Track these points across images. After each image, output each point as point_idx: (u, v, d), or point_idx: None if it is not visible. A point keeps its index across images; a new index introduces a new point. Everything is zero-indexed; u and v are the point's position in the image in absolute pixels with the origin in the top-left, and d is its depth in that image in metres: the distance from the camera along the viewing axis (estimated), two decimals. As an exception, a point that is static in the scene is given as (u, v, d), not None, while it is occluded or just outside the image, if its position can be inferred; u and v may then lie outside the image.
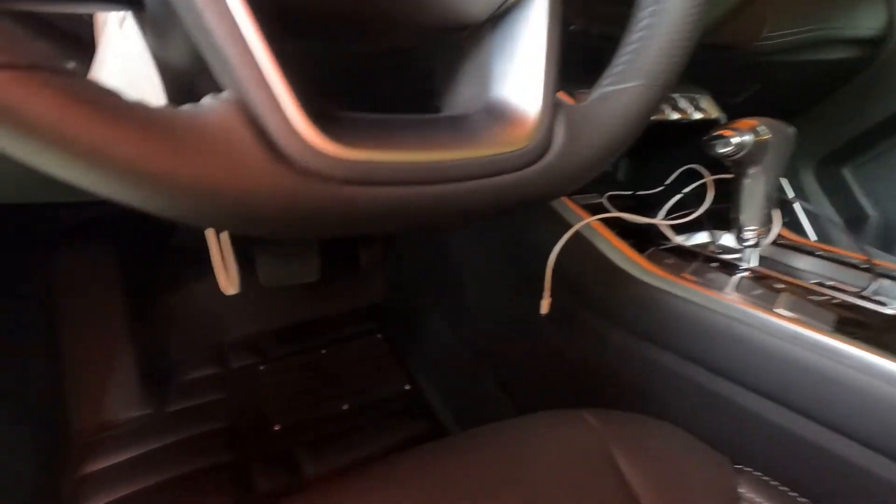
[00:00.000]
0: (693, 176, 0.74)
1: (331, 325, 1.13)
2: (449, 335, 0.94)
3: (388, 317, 1.16)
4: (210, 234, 0.47)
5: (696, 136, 0.78)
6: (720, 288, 0.48)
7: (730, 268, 0.54)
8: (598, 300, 0.59)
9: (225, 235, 0.48)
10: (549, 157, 0.25)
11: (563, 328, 0.65)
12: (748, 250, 0.55)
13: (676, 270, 0.52)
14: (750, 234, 0.53)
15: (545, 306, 0.61)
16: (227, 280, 0.47)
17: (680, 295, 0.49)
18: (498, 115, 0.25)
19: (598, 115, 0.27)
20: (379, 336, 1.12)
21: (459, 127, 0.24)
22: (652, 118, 0.29)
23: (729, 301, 0.45)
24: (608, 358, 0.60)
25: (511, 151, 0.24)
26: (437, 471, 0.41)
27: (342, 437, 0.89)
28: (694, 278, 0.51)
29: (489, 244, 0.77)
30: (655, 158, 0.88)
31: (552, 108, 0.25)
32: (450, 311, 0.94)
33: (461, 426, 0.91)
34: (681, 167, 0.76)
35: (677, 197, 0.71)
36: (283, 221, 0.19)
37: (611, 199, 0.73)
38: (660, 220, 0.62)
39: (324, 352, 1.07)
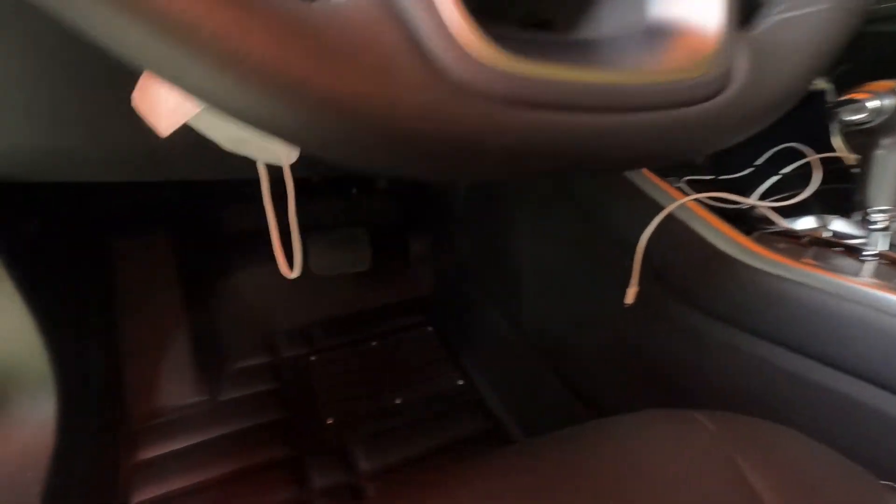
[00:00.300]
0: (788, 157, 0.67)
1: (380, 316, 1.10)
2: (506, 328, 0.90)
3: (438, 309, 1.12)
4: (269, 211, 0.43)
5: (793, 112, 0.71)
6: (855, 275, 0.42)
7: (855, 253, 0.47)
8: (692, 289, 0.53)
9: (293, 213, 0.44)
10: (733, 88, 0.20)
11: (646, 321, 0.59)
12: (875, 234, 0.48)
13: (794, 255, 0.46)
14: (879, 217, 0.46)
15: (631, 296, 0.55)
16: (286, 263, 0.44)
17: (803, 282, 0.43)
18: (666, 37, 0.20)
19: (781, 43, 0.22)
20: (429, 329, 1.09)
21: (623, 49, 0.20)
22: None
23: (872, 289, 0.39)
24: (702, 354, 0.54)
25: (690, 79, 0.19)
26: (530, 476, 0.36)
27: (397, 433, 0.85)
28: (816, 263, 0.44)
29: (557, 229, 0.71)
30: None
31: (733, 30, 0.20)
32: (507, 303, 0.89)
33: (520, 425, 0.86)
34: (772, 147, 0.69)
35: (774, 179, 0.64)
36: (432, 150, 0.15)
37: (690, 184, 0.67)
38: (763, 202, 0.56)
39: (374, 343, 1.04)
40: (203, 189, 1.09)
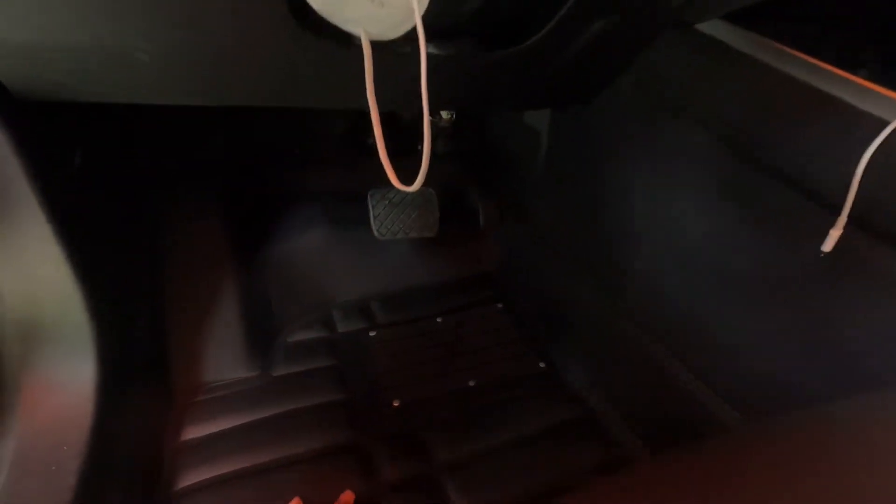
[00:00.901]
0: None
1: (445, 292, 0.98)
2: (602, 304, 0.76)
3: (510, 284, 0.99)
4: (373, 106, 0.32)
5: None
6: None
7: None
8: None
9: (425, 88, 0.33)
10: None
11: (834, 280, 0.45)
12: None
13: None
14: None
15: (832, 241, 0.42)
16: (395, 175, 0.33)
17: None
18: None
19: None
20: (499, 306, 0.96)
21: None
22: None
23: None
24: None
25: None
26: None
27: (474, 419, 0.73)
28: None
29: (691, 174, 0.58)
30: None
31: None
32: (606, 274, 0.76)
33: (622, 415, 0.73)
34: None
35: None
36: None
37: None
38: None
39: (439, 320, 0.92)
40: (255, 148, 0.99)
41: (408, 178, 0.95)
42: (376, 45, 0.37)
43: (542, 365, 0.84)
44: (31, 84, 0.47)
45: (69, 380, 0.57)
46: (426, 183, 0.93)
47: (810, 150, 0.45)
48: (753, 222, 0.51)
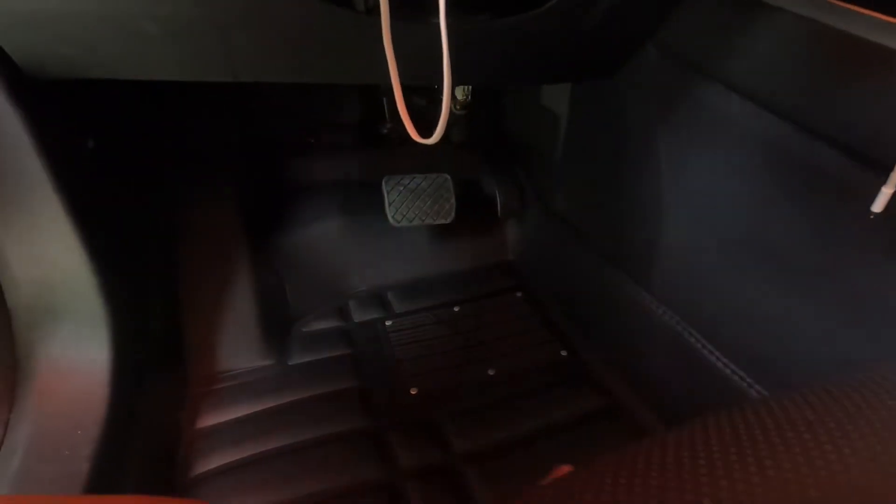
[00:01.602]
0: None
1: (463, 280, 0.96)
2: (620, 288, 0.73)
3: (529, 272, 0.97)
4: (389, 48, 0.30)
5: None
6: None
7: None
8: None
9: (444, 20, 0.31)
10: None
11: (881, 250, 0.42)
12: None
13: None
14: None
15: (884, 198, 0.38)
16: (413, 127, 0.30)
17: None
18: None
19: None
20: (518, 294, 0.94)
21: None
22: None
23: None
24: None
25: None
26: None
27: (495, 408, 0.71)
28: None
29: (728, 137, 0.54)
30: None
31: None
32: (631, 261, 0.73)
33: (650, 405, 0.70)
34: None
35: None
36: None
37: None
38: None
39: (456, 309, 0.90)
40: (269, 137, 0.99)
41: (425, 164, 0.93)
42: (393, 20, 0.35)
43: (563, 353, 0.81)
44: (40, 60, 0.47)
45: (83, 365, 0.56)
46: (441, 169, 0.91)
47: (858, 107, 0.41)
48: (794, 189, 0.48)
